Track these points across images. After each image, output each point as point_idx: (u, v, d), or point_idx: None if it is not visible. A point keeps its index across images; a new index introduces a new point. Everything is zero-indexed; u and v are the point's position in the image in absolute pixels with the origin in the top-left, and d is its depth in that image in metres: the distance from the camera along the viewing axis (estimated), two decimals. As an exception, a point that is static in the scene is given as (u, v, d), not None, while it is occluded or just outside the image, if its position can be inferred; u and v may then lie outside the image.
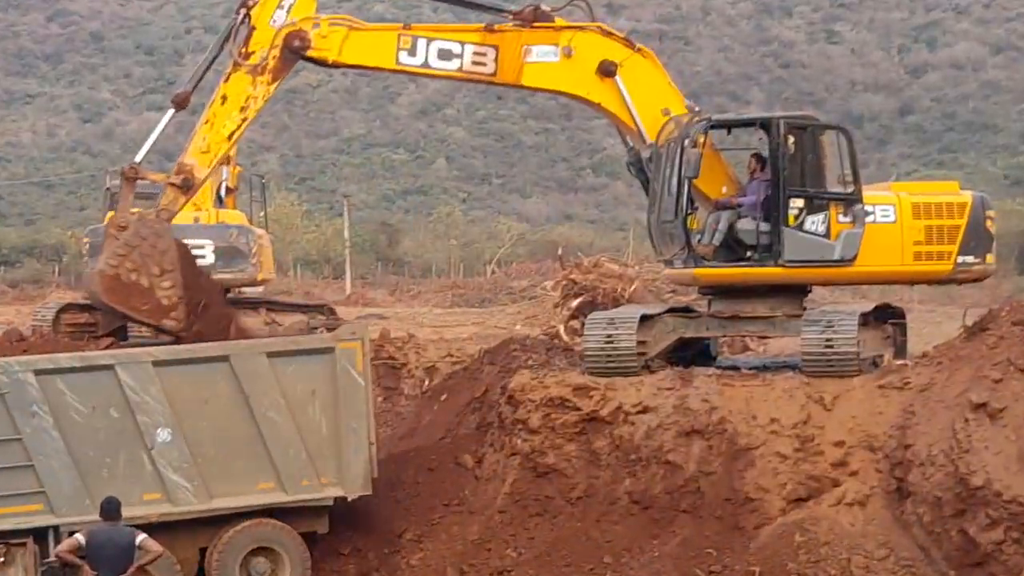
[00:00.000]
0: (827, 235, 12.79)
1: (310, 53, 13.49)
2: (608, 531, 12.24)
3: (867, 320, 12.92)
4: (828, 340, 12.34)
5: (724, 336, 15.44)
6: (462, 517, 12.81)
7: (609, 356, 12.90)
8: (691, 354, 13.87)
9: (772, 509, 11.91)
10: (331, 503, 12.41)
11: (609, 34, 13.84)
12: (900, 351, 13.73)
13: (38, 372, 11.72)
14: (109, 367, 11.97)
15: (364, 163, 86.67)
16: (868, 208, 12.93)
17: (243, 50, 13.42)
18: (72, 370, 11.94)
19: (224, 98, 13.50)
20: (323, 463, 12.41)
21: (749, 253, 12.93)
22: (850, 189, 12.99)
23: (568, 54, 13.52)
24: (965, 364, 12.06)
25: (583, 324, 14.95)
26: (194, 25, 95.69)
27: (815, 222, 12.74)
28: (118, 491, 10.84)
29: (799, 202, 12.71)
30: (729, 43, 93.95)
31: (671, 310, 13.62)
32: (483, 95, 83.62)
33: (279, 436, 12.20)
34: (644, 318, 13.03)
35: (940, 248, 13.08)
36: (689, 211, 12.90)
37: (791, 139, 12.82)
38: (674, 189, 12.78)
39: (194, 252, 15.17)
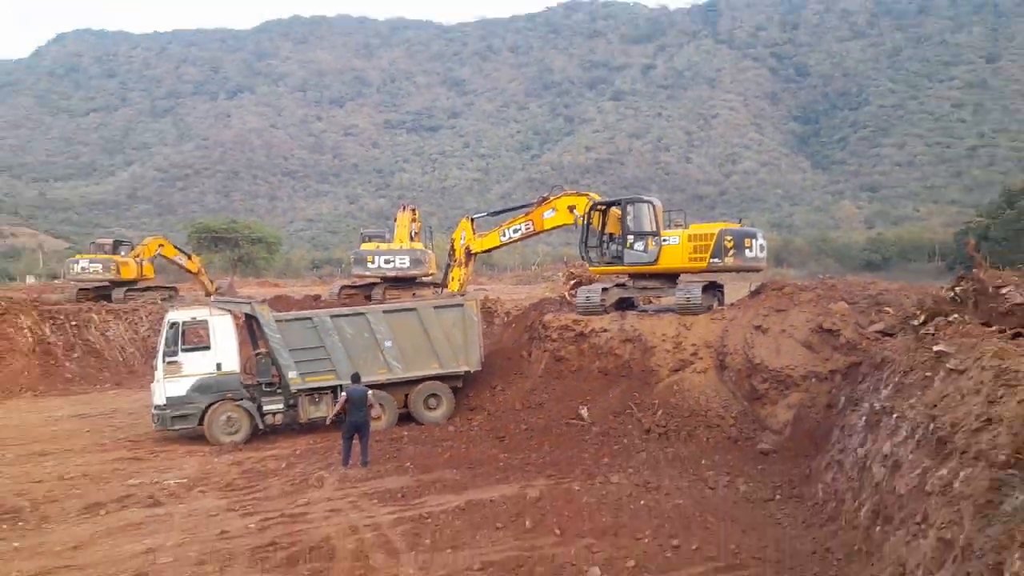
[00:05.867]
0: (644, 250, 24.31)
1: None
2: (588, 386, 24.53)
3: (705, 288, 25.06)
4: (688, 298, 24.32)
5: (638, 295, 26.81)
6: (522, 379, 25.61)
7: (587, 306, 25.14)
8: (626, 305, 26.18)
9: (663, 374, 24.14)
10: (463, 373, 25.23)
11: (570, 194, 26.39)
12: (720, 302, 25.99)
13: (332, 316, 25.19)
14: (362, 314, 24.95)
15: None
16: (665, 239, 23.64)
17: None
18: (345, 315, 24.79)
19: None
20: (461, 355, 25.09)
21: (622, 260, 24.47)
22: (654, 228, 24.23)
23: (558, 209, 26.44)
24: (750, 307, 24.50)
25: (576, 293, 27.27)
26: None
27: (642, 245, 24.13)
28: (363, 369, 23.06)
29: (632, 238, 24.14)
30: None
31: (616, 285, 26.02)
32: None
33: (441, 344, 25.15)
34: (603, 289, 25.54)
35: (702, 255, 23.97)
36: (602, 241, 24.89)
37: (629, 208, 24.01)
38: (593, 233, 25.33)
39: (400, 261, 31.69)
